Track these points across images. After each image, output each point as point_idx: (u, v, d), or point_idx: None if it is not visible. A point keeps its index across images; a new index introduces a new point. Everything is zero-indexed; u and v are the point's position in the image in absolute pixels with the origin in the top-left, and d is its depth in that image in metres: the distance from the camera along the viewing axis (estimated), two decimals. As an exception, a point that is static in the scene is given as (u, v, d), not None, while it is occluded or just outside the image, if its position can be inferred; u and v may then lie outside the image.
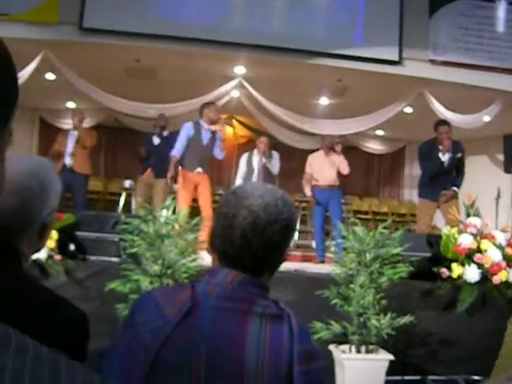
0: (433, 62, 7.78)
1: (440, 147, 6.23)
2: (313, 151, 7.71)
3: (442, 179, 6.27)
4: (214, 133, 6.60)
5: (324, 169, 7.17)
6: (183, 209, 4.16)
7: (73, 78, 7.74)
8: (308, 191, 7.29)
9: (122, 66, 8.44)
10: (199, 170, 6.46)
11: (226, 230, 1.22)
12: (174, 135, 7.72)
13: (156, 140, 7.62)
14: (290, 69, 7.93)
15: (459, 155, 6.25)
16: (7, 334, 0.51)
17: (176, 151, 6.46)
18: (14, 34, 6.83)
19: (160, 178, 7.38)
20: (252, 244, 1.20)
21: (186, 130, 6.52)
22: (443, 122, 6.49)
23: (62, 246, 4.12)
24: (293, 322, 1.19)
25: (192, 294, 1.18)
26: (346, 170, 7.15)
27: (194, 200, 6.59)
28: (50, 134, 10.79)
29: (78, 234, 4.42)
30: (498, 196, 8.12)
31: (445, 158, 6.25)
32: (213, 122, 6.61)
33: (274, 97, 8.41)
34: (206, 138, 6.54)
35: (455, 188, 6.25)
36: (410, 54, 7.70)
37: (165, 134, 7.64)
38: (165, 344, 1.12)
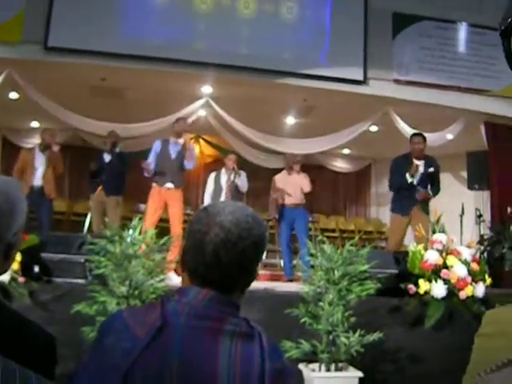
0: (397, 81, 7.91)
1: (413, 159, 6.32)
2: (279, 170, 7.76)
3: (409, 193, 6.25)
4: (182, 146, 6.60)
5: (288, 188, 7.23)
6: (150, 228, 4.10)
7: (37, 97, 7.61)
8: (274, 213, 7.36)
9: (87, 86, 8.36)
10: (170, 185, 6.46)
11: (197, 247, 1.21)
12: (125, 153, 7.67)
13: (107, 157, 7.45)
14: (256, 88, 7.97)
15: (431, 169, 6.30)
16: None
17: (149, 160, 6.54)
18: (-24, 52, 6.73)
19: (112, 195, 7.30)
20: (223, 260, 1.19)
21: (154, 147, 6.65)
22: (417, 134, 6.62)
23: (25, 268, 4.02)
24: (264, 340, 1.17)
25: (162, 312, 1.16)
26: (307, 188, 7.23)
27: (164, 220, 6.54)
28: (12, 154, 10.56)
29: (43, 255, 4.33)
30: (462, 212, 8.26)
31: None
32: (179, 135, 6.67)
33: (241, 116, 8.43)
34: (173, 152, 6.60)
35: (430, 192, 6.24)
36: (375, 74, 7.82)
37: (116, 151, 7.49)
38: (135, 364, 1.09)
